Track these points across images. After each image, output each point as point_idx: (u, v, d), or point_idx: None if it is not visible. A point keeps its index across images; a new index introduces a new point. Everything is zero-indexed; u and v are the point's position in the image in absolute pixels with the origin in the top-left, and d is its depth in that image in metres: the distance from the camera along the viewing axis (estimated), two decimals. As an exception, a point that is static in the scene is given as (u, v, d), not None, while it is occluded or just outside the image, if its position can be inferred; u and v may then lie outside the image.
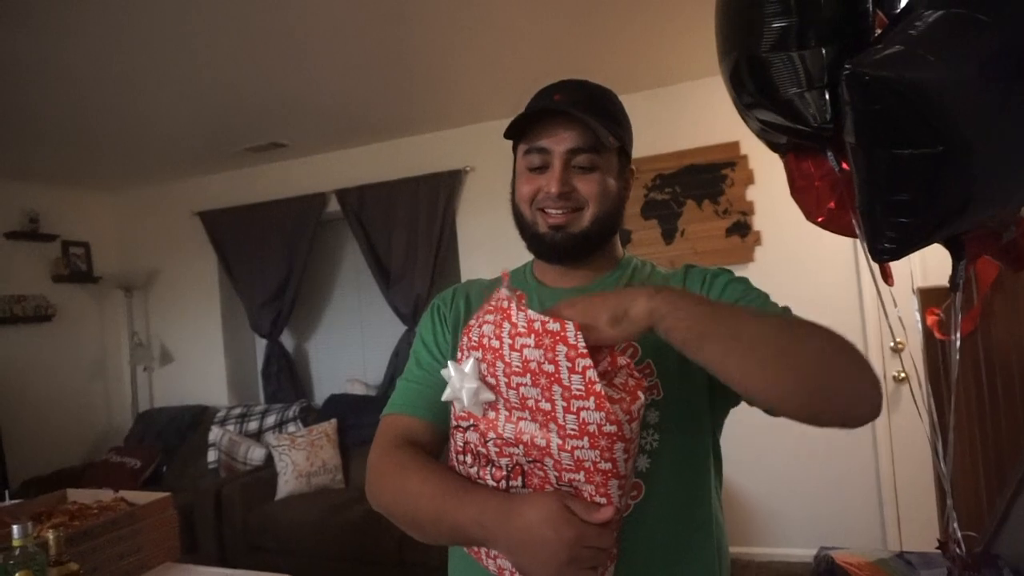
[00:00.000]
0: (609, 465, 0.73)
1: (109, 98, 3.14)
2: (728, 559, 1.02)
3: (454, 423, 0.86)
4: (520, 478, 0.79)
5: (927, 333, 2.04)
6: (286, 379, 4.58)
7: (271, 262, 4.51)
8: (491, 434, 0.80)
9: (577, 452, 0.74)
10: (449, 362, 0.82)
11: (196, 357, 4.80)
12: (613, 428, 0.72)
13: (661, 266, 1.13)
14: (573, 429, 0.73)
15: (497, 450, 0.80)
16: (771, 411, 0.79)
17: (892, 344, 3.20)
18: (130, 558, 1.93)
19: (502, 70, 3.22)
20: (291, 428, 4.10)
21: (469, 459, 0.84)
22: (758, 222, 3.47)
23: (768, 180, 3.36)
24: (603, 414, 0.71)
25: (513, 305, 0.77)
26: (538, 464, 0.77)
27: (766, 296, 0.95)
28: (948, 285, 1.75)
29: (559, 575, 0.73)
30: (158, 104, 3.28)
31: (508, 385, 0.78)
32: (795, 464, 3.41)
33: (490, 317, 0.80)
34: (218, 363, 4.73)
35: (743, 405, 1.06)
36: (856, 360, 0.75)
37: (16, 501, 2.11)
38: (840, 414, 0.75)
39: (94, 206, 4.95)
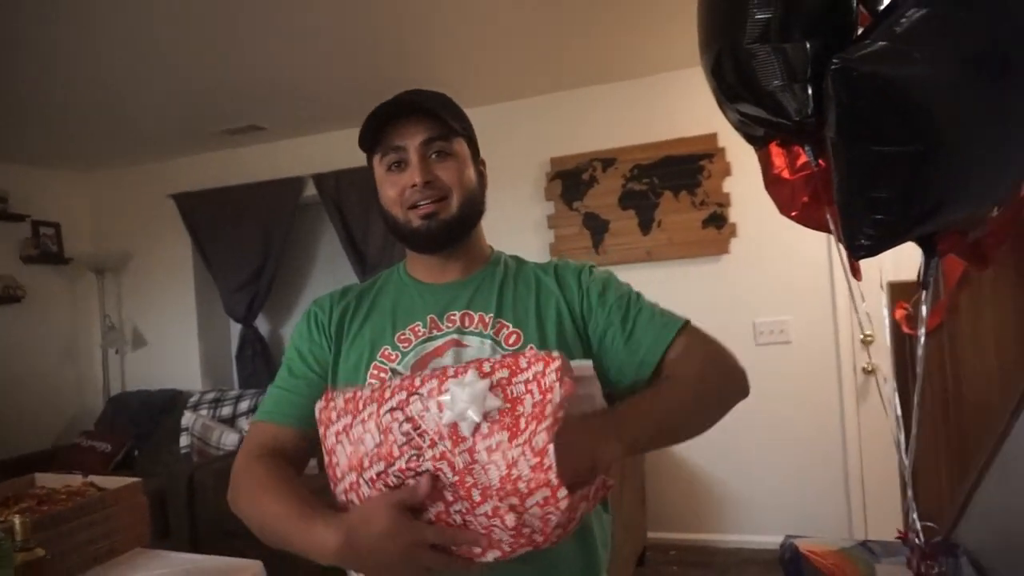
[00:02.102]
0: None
1: (82, 76, 3.07)
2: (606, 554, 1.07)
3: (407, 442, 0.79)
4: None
5: (895, 327, 2.08)
6: (261, 364, 4.54)
7: (247, 246, 4.46)
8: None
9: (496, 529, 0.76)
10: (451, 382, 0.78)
11: (169, 341, 4.74)
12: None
13: (529, 260, 1.17)
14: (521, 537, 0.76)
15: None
16: None
17: (862, 337, 3.26)
18: (99, 544, 1.91)
19: (481, 57, 3.20)
20: (265, 413, 4.06)
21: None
22: (734, 214, 3.50)
23: (745, 173, 3.39)
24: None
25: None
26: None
27: (637, 294, 1.07)
28: (917, 280, 1.79)
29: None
30: (133, 83, 3.22)
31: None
32: (764, 453, 3.47)
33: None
34: (192, 347, 4.68)
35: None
36: (731, 365, 0.97)
37: (-18, 485, 2.07)
38: (730, 406, 0.97)
39: (65, 186, 4.84)
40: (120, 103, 3.49)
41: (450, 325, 1.03)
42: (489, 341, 1.01)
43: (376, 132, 1.03)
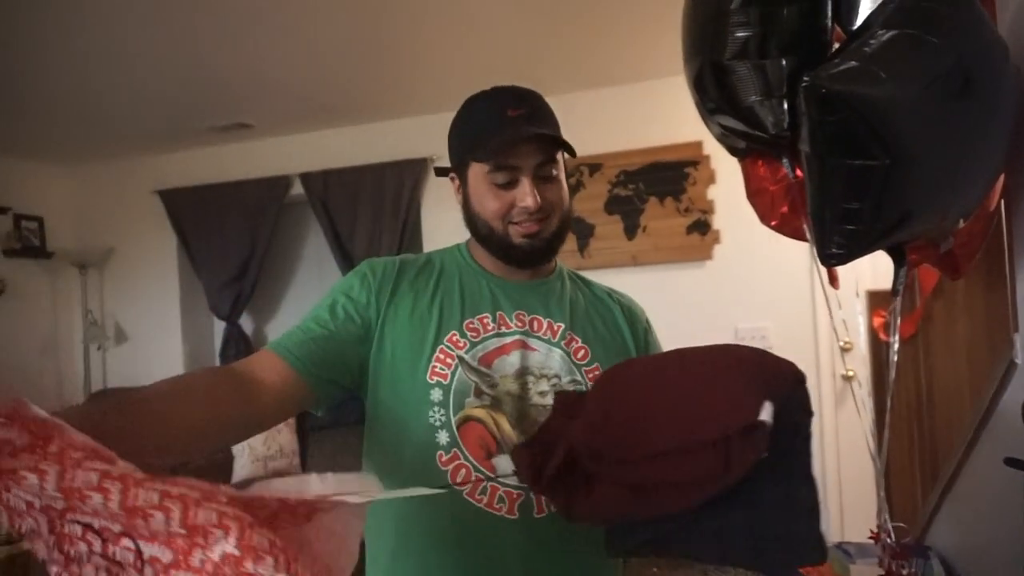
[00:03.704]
0: None
1: (68, 69, 3.07)
2: None
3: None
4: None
5: (872, 334, 2.13)
6: (244, 362, 4.53)
7: (232, 244, 4.46)
8: None
9: None
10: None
11: (152, 337, 4.72)
12: None
13: (599, 285, 1.20)
14: None
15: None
16: None
17: (841, 344, 3.32)
18: (82, 538, 1.91)
19: (474, 60, 3.23)
20: (248, 412, 4.06)
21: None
22: (718, 221, 3.55)
23: (729, 181, 3.44)
24: None
25: None
26: None
27: None
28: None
29: None
30: (119, 77, 3.21)
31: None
32: (745, 457, 3.51)
33: None
34: (175, 344, 4.66)
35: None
36: None
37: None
38: None
39: (49, 179, 4.81)
40: (106, 97, 3.49)
41: (519, 325, 1.04)
42: (559, 351, 1.03)
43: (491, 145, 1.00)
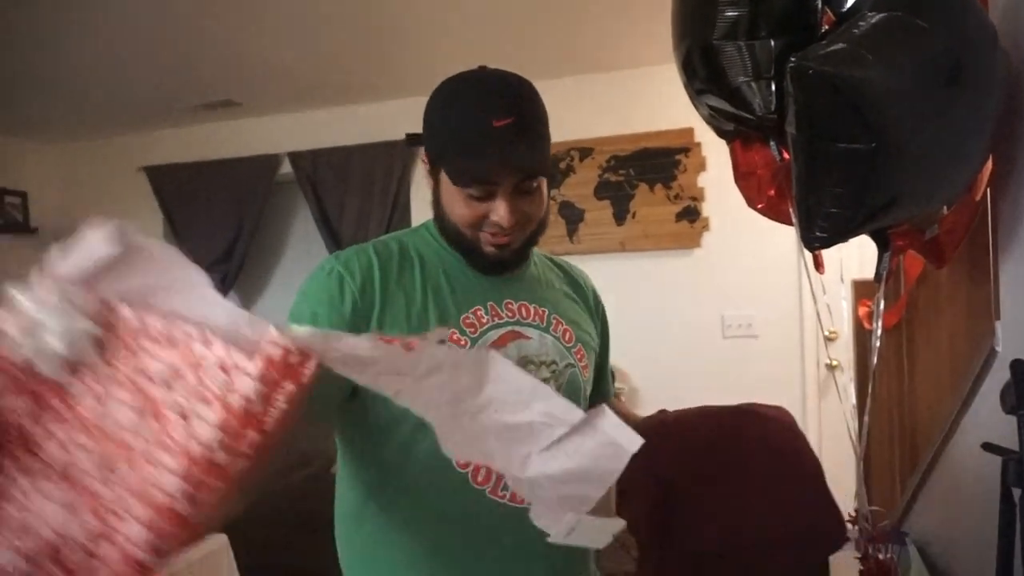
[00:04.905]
0: None
1: (54, 46, 3.01)
2: None
3: None
4: None
5: (857, 323, 2.14)
6: (230, 342, 4.51)
7: (220, 223, 4.42)
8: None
9: None
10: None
11: (137, 316, 4.68)
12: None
13: (556, 258, 1.21)
14: None
15: None
16: None
17: (827, 333, 3.33)
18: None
19: (464, 42, 3.20)
20: (234, 392, 4.05)
21: None
22: (707, 208, 3.55)
23: (720, 168, 3.43)
24: None
25: None
26: None
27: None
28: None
29: None
30: (106, 51, 3.16)
31: None
32: (729, 444, 3.54)
33: None
34: (160, 323, 4.63)
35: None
36: None
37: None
38: None
39: (33, 155, 4.74)
40: (91, 72, 3.43)
41: (509, 315, 1.01)
42: (549, 336, 1.02)
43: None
